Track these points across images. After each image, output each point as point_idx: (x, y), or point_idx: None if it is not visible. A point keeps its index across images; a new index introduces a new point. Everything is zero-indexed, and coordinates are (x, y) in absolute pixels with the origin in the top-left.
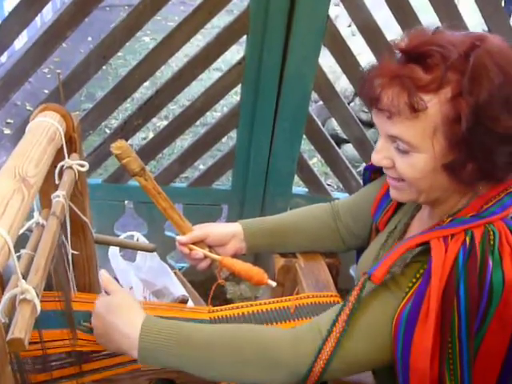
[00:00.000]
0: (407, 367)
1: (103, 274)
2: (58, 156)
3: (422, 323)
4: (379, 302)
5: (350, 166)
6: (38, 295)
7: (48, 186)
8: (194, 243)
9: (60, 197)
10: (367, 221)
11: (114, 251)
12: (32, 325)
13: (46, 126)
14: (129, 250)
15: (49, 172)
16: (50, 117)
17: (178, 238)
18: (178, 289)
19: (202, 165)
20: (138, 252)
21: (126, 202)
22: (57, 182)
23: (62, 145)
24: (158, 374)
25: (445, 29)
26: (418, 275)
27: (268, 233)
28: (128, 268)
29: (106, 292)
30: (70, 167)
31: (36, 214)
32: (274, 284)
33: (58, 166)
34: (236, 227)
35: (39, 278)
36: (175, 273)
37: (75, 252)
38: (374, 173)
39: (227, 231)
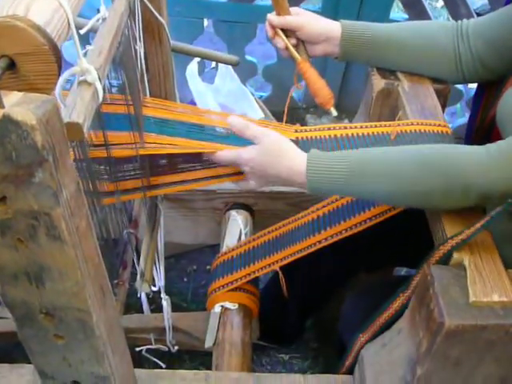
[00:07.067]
0: None
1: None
2: None
3: None
4: None
5: None
6: (100, 79)
7: None
8: (283, 29)
9: None
10: (507, 52)
11: (192, 70)
12: (93, 112)
13: None
14: (208, 70)
15: None
16: None
17: (270, 16)
18: (258, 115)
19: None
20: (218, 74)
21: (205, 21)
22: None
23: None
24: (234, 197)
25: None
26: None
27: (370, 43)
28: (206, 90)
29: None
30: None
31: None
32: (334, 113)
33: None
34: (335, 29)
35: (103, 59)
36: (255, 100)
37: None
38: None
39: (323, 31)
